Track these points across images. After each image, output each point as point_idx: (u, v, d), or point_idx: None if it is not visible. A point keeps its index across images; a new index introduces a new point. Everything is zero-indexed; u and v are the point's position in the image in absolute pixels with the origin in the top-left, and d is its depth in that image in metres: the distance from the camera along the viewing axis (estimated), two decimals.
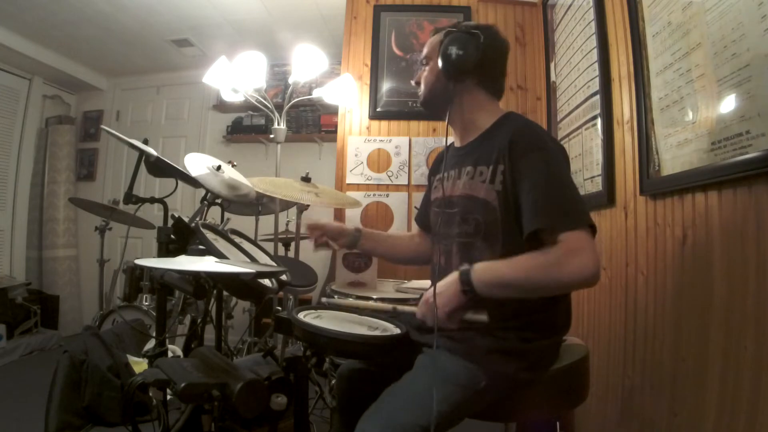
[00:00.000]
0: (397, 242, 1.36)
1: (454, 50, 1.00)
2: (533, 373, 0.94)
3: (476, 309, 0.90)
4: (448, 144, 1.14)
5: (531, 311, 0.95)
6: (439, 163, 1.25)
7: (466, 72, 1.03)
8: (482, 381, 0.90)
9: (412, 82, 1.19)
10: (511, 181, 0.95)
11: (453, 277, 0.93)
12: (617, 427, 1.48)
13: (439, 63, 1.03)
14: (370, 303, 1.31)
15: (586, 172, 1.75)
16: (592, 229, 0.88)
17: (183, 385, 0.77)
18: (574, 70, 1.90)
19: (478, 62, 1.01)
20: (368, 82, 2.52)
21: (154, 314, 2.08)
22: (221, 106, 3.86)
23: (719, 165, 1.00)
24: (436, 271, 1.06)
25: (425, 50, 1.13)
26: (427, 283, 1.24)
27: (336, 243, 1.24)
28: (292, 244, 2.33)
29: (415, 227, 1.38)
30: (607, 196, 1.56)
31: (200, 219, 1.51)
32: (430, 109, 1.15)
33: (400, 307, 1.02)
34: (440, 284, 0.93)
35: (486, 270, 0.90)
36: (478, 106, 1.09)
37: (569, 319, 1.03)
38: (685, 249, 1.15)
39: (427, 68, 1.12)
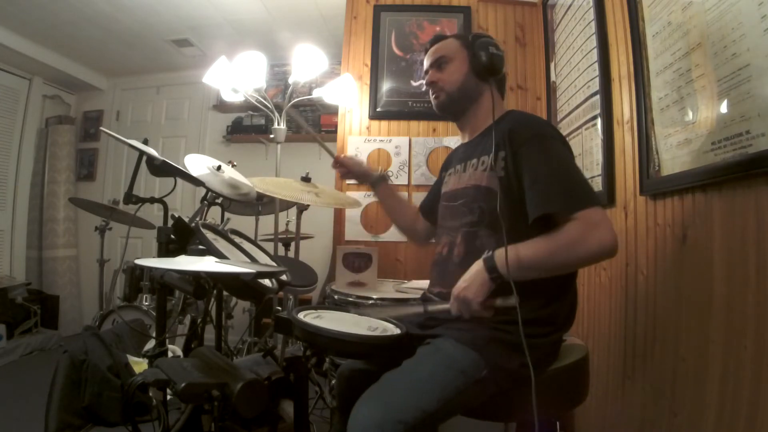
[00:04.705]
0: (405, 209, 1.46)
1: (491, 51, 1.10)
2: (534, 370, 0.94)
3: (504, 294, 0.91)
4: (456, 141, 1.17)
5: (538, 307, 0.95)
6: (450, 159, 1.30)
7: (499, 72, 1.13)
8: (484, 370, 0.89)
9: (422, 83, 1.23)
10: (513, 166, 0.97)
11: (477, 266, 0.94)
12: (617, 427, 1.48)
13: (467, 63, 1.12)
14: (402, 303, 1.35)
15: (586, 172, 1.75)
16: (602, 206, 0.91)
17: (183, 385, 0.77)
18: (574, 70, 1.90)
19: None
20: (368, 82, 2.52)
21: (154, 314, 2.08)
22: (221, 106, 3.86)
23: (719, 165, 1.00)
24: (440, 263, 1.06)
25: (438, 53, 1.17)
26: (426, 283, 1.24)
27: (358, 179, 1.44)
28: (292, 244, 2.33)
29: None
30: (607, 196, 1.56)
31: (200, 219, 1.51)
32: (452, 108, 1.18)
33: (432, 308, 1.02)
34: (465, 278, 0.95)
35: (509, 253, 0.91)
36: (492, 105, 1.13)
37: (573, 317, 1.03)
38: (685, 249, 1.15)
39: (445, 70, 1.15)
